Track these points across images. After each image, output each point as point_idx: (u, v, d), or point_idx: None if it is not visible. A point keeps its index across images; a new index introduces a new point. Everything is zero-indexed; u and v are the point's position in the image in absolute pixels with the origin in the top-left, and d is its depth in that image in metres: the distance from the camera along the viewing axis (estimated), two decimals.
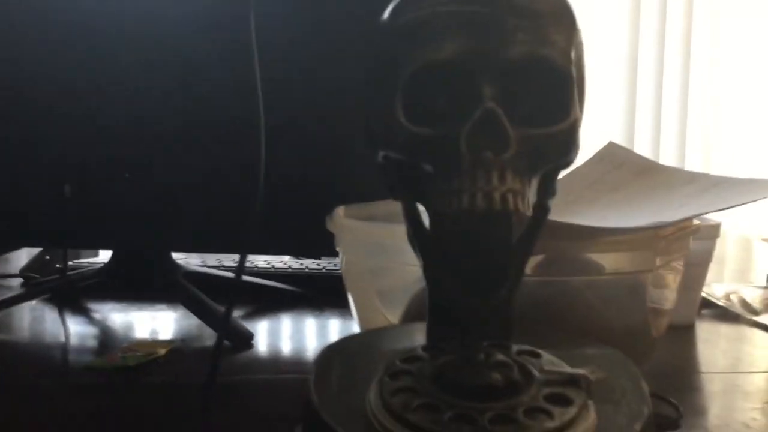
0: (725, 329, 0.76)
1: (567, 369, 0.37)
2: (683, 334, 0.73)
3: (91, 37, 0.70)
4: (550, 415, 0.34)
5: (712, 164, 2.28)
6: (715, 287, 0.87)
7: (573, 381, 0.36)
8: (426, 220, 0.41)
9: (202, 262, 0.92)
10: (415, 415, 0.34)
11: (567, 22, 0.36)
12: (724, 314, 0.80)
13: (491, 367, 0.36)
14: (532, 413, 0.34)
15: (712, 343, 0.73)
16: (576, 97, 0.35)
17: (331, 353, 0.41)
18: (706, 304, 0.82)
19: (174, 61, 0.70)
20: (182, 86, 0.69)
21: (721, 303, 0.82)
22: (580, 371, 0.36)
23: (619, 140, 2.23)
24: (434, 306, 0.42)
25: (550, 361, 0.38)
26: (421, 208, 0.41)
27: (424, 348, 0.40)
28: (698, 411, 0.54)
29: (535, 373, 0.37)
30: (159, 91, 0.70)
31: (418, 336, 0.43)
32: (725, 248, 1.38)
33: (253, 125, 0.55)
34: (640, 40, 2.24)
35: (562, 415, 0.34)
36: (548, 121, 0.35)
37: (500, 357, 0.37)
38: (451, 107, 0.35)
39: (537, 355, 0.39)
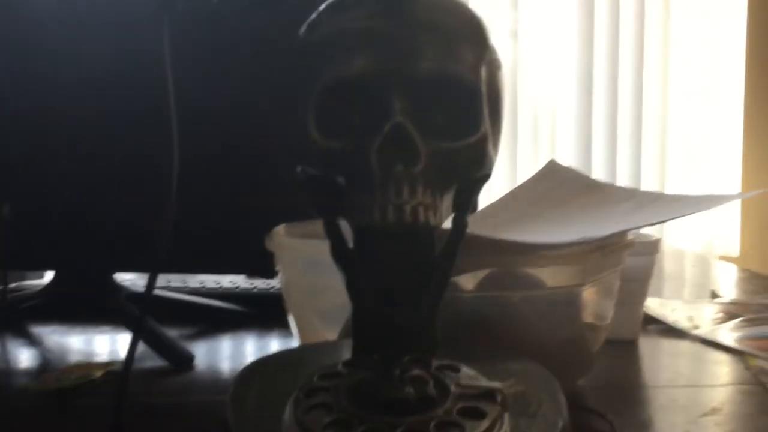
0: (669, 344, 0.77)
1: (483, 383, 0.37)
2: (626, 349, 0.74)
3: (27, 57, 0.69)
4: (461, 428, 0.34)
5: (666, 181, 2.32)
6: (660, 303, 0.88)
7: (489, 394, 0.36)
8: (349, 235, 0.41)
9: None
10: None
11: (477, 39, 0.36)
12: (669, 330, 0.81)
13: (406, 381, 0.36)
14: (444, 427, 0.34)
15: (655, 358, 0.73)
16: (485, 113, 0.36)
17: (251, 371, 0.41)
18: (652, 319, 0.83)
19: (97, 82, 0.70)
20: (107, 106, 0.69)
21: (664, 318, 0.83)
22: (496, 385, 0.36)
23: (577, 160, 2.27)
24: (357, 321, 0.41)
25: (467, 375, 0.38)
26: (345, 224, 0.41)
27: (344, 364, 0.40)
28: (634, 425, 0.54)
29: (452, 387, 0.37)
30: (91, 110, 0.69)
31: (344, 352, 0.43)
32: (683, 266, 1.40)
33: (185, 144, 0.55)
34: (595, 58, 2.29)
35: (473, 428, 0.34)
36: (458, 136, 0.36)
37: (416, 372, 0.37)
38: (362, 122, 0.35)
39: (456, 370, 0.39)
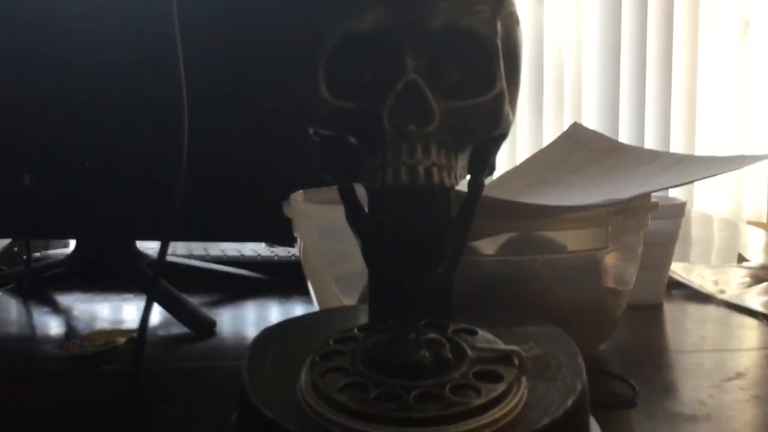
0: (694, 309, 0.76)
1: (500, 346, 0.37)
2: (650, 314, 0.73)
3: (46, 31, 0.69)
4: (477, 391, 0.33)
5: (696, 144, 2.27)
6: (686, 267, 0.87)
7: (506, 358, 0.36)
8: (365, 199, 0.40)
9: (171, 251, 0.91)
10: (341, 395, 0.33)
11: None
12: (695, 295, 0.80)
13: (422, 345, 0.35)
14: (459, 390, 0.33)
15: (679, 323, 0.72)
16: (501, 69, 0.35)
17: (268, 336, 0.41)
18: (677, 284, 0.82)
19: (111, 52, 0.69)
20: (123, 75, 0.69)
21: (690, 283, 0.82)
22: (513, 347, 0.36)
23: (603, 124, 2.23)
24: (373, 286, 0.41)
25: (484, 338, 0.38)
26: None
27: (360, 328, 0.39)
28: (657, 389, 0.54)
29: (468, 350, 0.36)
30: (108, 80, 0.69)
31: (360, 317, 0.43)
32: (711, 230, 1.38)
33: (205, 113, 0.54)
34: (622, 19, 2.23)
35: (490, 391, 0.33)
36: (473, 93, 0.35)
37: (432, 335, 0.36)
38: (374, 80, 0.34)
39: (473, 333, 0.38)
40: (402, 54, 0.34)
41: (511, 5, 0.37)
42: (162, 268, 0.45)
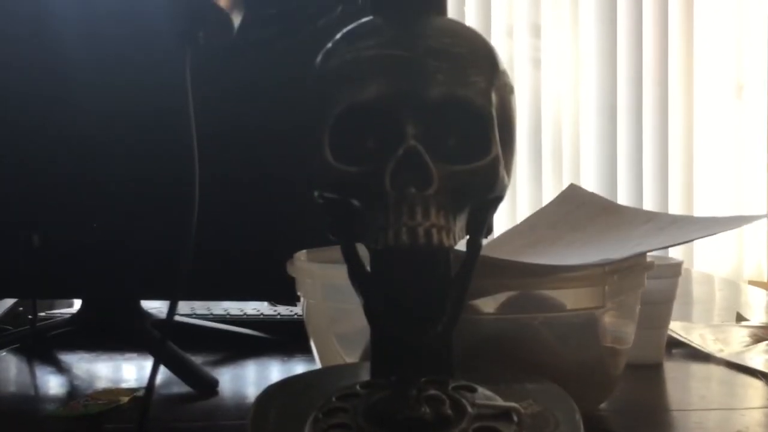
0: (694, 368, 0.76)
1: (500, 403, 0.37)
2: (649, 373, 0.73)
3: (54, 87, 0.72)
4: None
5: (694, 206, 2.29)
6: (686, 326, 0.88)
7: (505, 414, 0.36)
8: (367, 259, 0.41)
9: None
10: None
11: (487, 64, 0.37)
12: (695, 354, 0.80)
13: (422, 401, 0.36)
14: None
15: (680, 382, 0.72)
16: (496, 136, 0.37)
17: (272, 393, 0.42)
18: (677, 343, 0.82)
19: (120, 114, 0.72)
20: (131, 137, 0.71)
21: (690, 342, 0.82)
22: (512, 404, 0.37)
23: (602, 185, 2.26)
24: (375, 343, 0.42)
25: (484, 395, 0.38)
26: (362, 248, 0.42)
27: (362, 385, 0.40)
28: None
29: (468, 407, 0.37)
30: (116, 141, 0.71)
31: (362, 374, 0.44)
32: (711, 290, 1.38)
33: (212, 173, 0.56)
34: (618, 83, 2.28)
35: None
36: (470, 159, 0.36)
37: (433, 392, 0.37)
38: (376, 146, 0.36)
39: (473, 390, 0.39)
40: (402, 122, 0.36)
41: (505, 76, 0.39)
42: (170, 329, 0.46)
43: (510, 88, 0.39)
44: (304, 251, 0.66)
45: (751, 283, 2.00)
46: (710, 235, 0.62)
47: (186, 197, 0.50)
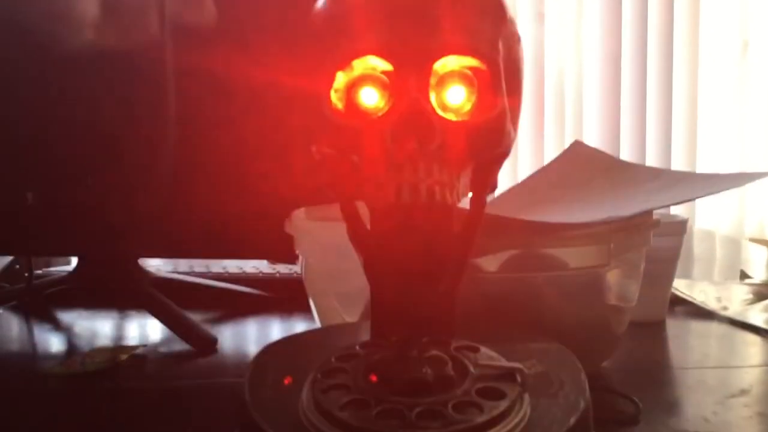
0: (697, 326, 0.76)
1: (503, 363, 0.37)
2: (652, 331, 0.72)
3: (47, 48, 0.70)
4: (480, 408, 0.33)
5: (697, 162, 2.27)
6: (688, 284, 0.87)
7: (508, 375, 0.36)
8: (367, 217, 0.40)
9: (174, 268, 0.91)
10: (343, 412, 0.33)
11: (495, 13, 0.35)
12: (697, 311, 0.80)
13: (424, 362, 0.35)
14: (462, 407, 0.33)
15: (682, 340, 0.72)
16: (503, 88, 0.35)
17: (269, 353, 0.41)
18: (679, 301, 0.82)
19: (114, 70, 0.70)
20: (127, 90, 0.69)
21: (692, 299, 0.81)
22: (516, 365, 0.36)
23: (604, 141, 2.23)
24: (376, 303, 0.41)
25: (487, 355, 0.38)
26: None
27: (362, 345, 0.39)
28: (660, 406, 0.54)
29: (470, 367, 0.36)
30: (109, 95, 0.70)
31: (362, 334, 0.43)
32: (713, 247, 1.38)
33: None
34: (623, 38, 2.24)
35: (492, 409, 0.33)
36: (475, 112, 0.35)
37: (434, 352, 0.36)
38: (378, 99, 0.34)
39: (475, 350, 0.38)
40: (406, 75, 0.34)
41: (513, 25, 0.37)
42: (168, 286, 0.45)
43: (517, 38, 0.38)
44: (303, 209, 0.64)
45: (752, 240, 1.99)
46: (716, 192, 0.61)
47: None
